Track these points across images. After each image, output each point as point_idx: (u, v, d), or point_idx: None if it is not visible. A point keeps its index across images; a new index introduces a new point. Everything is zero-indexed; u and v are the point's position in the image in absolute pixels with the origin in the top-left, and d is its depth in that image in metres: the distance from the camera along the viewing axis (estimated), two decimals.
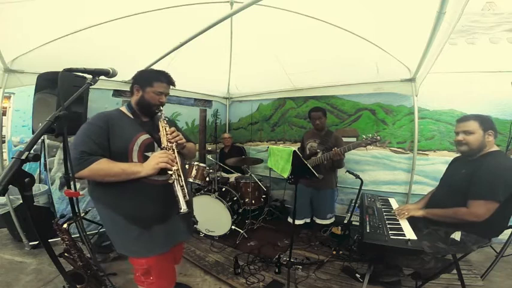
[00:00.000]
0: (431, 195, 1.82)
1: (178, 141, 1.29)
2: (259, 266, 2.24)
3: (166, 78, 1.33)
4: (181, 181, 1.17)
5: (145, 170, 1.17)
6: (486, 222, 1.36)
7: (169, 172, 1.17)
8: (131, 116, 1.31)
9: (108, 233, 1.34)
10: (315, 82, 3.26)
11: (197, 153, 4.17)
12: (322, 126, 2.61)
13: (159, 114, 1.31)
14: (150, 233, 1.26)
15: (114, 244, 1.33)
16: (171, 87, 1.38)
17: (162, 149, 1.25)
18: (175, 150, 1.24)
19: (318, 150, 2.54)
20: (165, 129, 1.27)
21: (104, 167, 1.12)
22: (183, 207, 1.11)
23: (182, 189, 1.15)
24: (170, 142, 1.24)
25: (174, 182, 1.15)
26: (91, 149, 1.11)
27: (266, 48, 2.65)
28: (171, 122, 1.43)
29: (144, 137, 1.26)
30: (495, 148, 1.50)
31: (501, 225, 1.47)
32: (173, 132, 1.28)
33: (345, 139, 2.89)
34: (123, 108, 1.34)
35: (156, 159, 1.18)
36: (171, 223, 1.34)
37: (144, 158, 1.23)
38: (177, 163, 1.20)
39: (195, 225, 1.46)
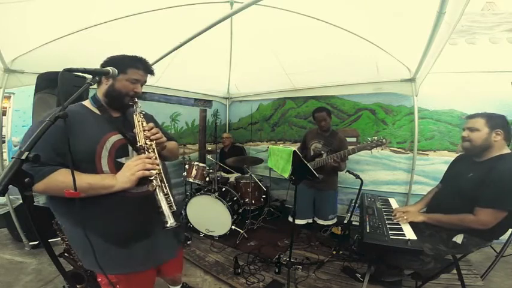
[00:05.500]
0: (432, 196, 1.77)
1: (159, 140, 1.08)
2: (259, 266, 2.24)
3: (143, 65, 1.10)
4: (165, 188, 0.96)
5: (120, 184, 0.94)
6: (491, 228, 1.33)
7: (150, 178, 0.95)
8: (97, 112, 1.06)
9: (74, 248, 1.15)
10: (315, 82, 3.26)
11: (197, 153, 4.17)
12: (328, 127, 2.59)
13: (134, 107, 1.09)
14: (128, 251, 1.06)
15: (81, 260, 1.12)
16: (150, 76, 1.16)
17: (137, 148, 1.02)
18: (156, 150, 1.03)
19: (323, 152, 2.51)
20: (142, 124, 1.05)
21: (63, 179, 0.86)
22: (170, 221, 0.89)
23: (167, 198, 0.94)
24: (149, 140, 1.03)
25: (156, 188, 0.93)
26: (46, 156, 0.84)
27: (266, 48, 2.65)
28: (149, 117, 1.22)
29: (115, 137, 1.03)
30: (507, 151, 1.41)
31: (504, 228, 1.44)
32: (152, 128, 1.06)
33: None
34: (87, 103, 1.08)
35: (131, 169, 0.95)
36: (154, 239, 1.13)
37: (116, 166, 0.99)
38: (158, 165, 0.98)
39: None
